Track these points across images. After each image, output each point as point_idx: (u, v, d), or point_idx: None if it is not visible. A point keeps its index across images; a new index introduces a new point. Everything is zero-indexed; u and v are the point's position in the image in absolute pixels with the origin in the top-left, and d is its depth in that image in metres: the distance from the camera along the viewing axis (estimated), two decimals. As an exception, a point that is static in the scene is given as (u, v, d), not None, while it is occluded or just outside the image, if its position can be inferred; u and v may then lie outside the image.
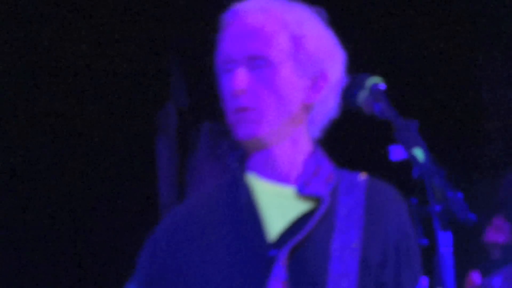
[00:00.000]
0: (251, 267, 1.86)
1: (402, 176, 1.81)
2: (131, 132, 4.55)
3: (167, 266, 1.95)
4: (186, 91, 4.53)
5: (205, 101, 4.64)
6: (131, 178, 4.51)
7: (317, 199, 1.88)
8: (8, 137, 4.73)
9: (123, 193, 4.55)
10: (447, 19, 4.66)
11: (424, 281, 1.76)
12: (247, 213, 1.88)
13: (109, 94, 4.46)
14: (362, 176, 1.91)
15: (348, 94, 1.77)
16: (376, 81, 1.75)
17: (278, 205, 1.88)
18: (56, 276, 4.89)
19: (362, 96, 1.74)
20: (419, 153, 1.60)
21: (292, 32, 1.81)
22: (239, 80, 1.76)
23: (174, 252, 1.95)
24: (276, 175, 1.88)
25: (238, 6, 1.84)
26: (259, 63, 1.78)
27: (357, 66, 1.97)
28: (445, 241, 1.54)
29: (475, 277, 2.36)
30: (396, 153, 1.68)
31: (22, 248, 4.89)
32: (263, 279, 1.82)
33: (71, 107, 4.51)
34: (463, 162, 4.31)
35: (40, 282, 4.89)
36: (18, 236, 4.84)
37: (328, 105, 1.84)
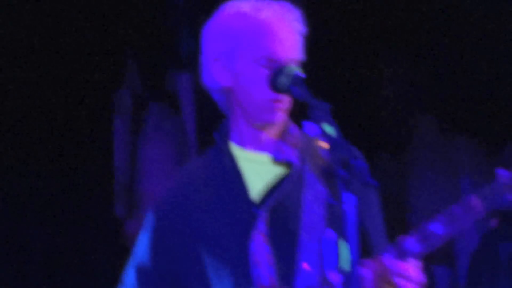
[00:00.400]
0: (238, 222, 2.01)
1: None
2: (91, 113, 4.53)
3: (168, 226, 2.08)
4: (138, 77, 4.65)
5: (155, 86, 4.75)
6: (90, 151, 4.58)
7: (289, 164, 2.02)
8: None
9: (83, 164, 4.61)
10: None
11: (331, 234, 1.89)
12: (232, 177, 2.04)
13: (70, 81, 4.57)
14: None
15: (272, 81, 1.93)
16: (294, 69, 1.92)
17: (257, 170, 2.03)
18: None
19: (283, 82, 1.90)
20: (328, 129, 1.74)
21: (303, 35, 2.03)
22: None
23: (173, 212, 2.09)
24: (257, 145, 2.04)
25: (279, 6, 2.01)
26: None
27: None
28: (348, 201, 1.66)
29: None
30: (309, 128, 1.83)
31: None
32: (249, 231, 1.98)
33: (36, 89, 4.48)
34: (367, 140, 4.30)
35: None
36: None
37: None
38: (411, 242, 1.88)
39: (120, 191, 4.70)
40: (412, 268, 1.86)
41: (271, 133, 2.03)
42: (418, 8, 4.53)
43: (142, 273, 2.14)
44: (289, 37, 2.00)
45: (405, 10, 4.52)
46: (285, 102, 1.99)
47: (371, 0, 4.54)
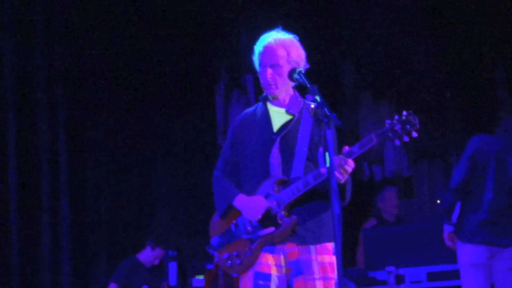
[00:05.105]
0: (265, 142, 2.94)
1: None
2: (205, 94, 6.75)
3: (236, 137, 3.07)
4: (227, 76, 6.52)
5: (235, 80, 6.73)
6: (205, 114, 6.64)
7: (293, 114, 2.97)
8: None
9: (201, 120, 6.51)
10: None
11: (321, 148, 2.82)
12: (265, 118, 3.01)
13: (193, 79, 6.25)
14: (314, 101, 2.77)
15: (289, 75, 2.96)
16: (300, 69, 2.93)
17: (278, 116, 2.99)
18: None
19: (293, 75, 2.92)
20: (318, 98, 2.67)
21: (287, 49, 2.99)
22: (268, 73, 2.98)
23: (238, 130, 3.07)
24: (278, 104, 3.03)
25: (264, 40, 2.99)
26: (275, 66, 3.00)
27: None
28: (329, 132, 2.52)
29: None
30: (309, 96, 2.84)
31: None
32: (270, 147, 2.93)
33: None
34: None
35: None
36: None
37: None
38: (353, 149, 2.78)
39: (220, 129, 6.72)
40: (351, 161, 2.82)
41: (281, 99, 2.99)
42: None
43: (225, 160, 3.14)
44: (267, 52, 2.96)
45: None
46: (274, 85, 2.94)
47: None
